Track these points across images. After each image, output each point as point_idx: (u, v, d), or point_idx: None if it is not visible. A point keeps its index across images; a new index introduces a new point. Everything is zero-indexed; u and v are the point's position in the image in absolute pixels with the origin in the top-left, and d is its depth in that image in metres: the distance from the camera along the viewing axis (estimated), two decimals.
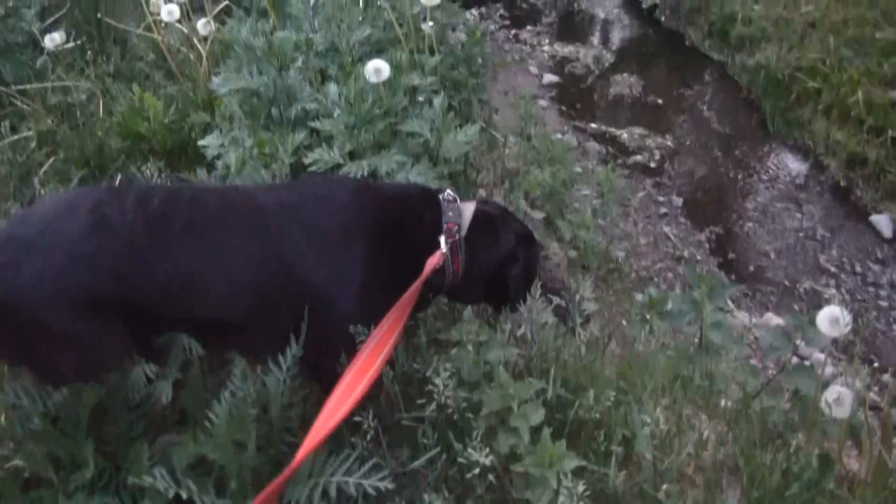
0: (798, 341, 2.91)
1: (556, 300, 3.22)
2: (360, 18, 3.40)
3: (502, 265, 2.69)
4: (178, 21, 4.07)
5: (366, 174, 2.98)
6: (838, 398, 2.16)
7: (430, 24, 3.46)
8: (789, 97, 7.43)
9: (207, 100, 3.88)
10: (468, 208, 2.67)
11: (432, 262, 2.49)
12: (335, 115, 3.11)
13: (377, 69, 3.04)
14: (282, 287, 2.37)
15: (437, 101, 3.13)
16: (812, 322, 2.85)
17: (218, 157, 3.24)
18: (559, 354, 2.69)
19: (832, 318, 2.31)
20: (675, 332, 3.33)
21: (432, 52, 3.52)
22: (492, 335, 2.49)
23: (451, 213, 2.59)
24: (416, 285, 2.40)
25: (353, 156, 3.04)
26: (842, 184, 6.78)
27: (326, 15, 3.58)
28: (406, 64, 3.36)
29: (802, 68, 7.48)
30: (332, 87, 3.21)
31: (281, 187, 2.79)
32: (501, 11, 9.33)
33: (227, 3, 4.40)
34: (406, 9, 3.54)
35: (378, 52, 3.54)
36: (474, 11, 8.89)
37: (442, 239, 2.53)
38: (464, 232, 2.60)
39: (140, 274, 2.27)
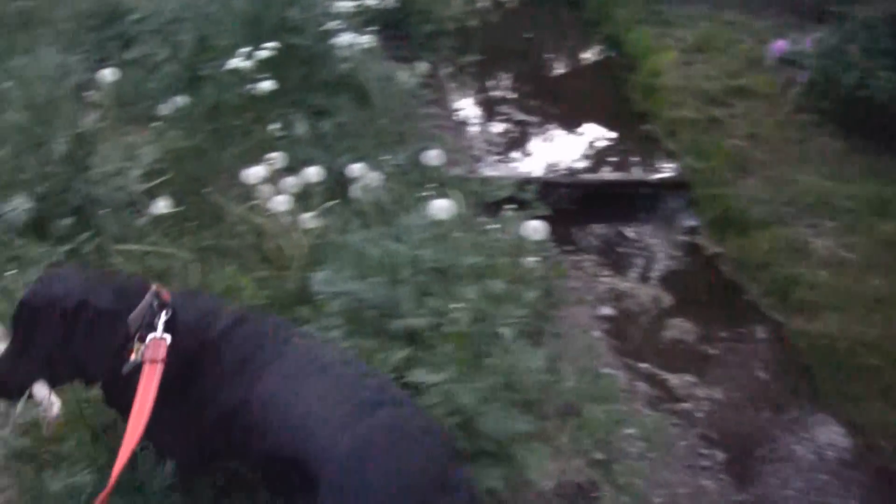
0: None
1: None
2: (469, 245, 3.57)
3: None
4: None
5: None
6: None
7: (536, 258, 3.70)
8: (846, 370, 7.66)
9: (299, 293, 4.17)
10: None
11: None
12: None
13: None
14: None
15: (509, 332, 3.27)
16: None
17: None
18: None
19: None
20: None
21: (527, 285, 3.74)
22: None
23: None
24: None
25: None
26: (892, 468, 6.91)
27: (435, 233, 3.83)
28: (503, 294, 3.55)
29: (866, 343, 7.75)
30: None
31: None
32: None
33: (338, 201, 4.70)
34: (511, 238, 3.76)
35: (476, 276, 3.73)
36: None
37: None
38: None
39: None
